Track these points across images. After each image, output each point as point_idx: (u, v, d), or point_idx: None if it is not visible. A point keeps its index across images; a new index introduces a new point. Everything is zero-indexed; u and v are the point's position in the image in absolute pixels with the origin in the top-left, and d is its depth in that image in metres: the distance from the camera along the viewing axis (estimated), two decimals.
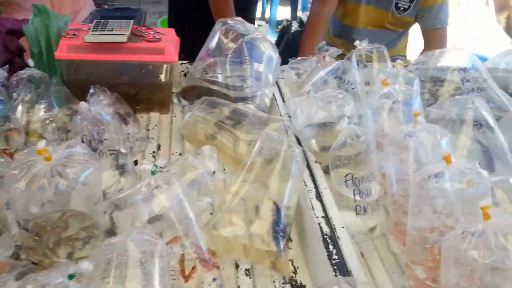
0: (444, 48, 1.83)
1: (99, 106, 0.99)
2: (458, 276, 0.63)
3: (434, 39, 1.84)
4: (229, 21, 1.20)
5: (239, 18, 1.23)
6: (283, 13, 4.65)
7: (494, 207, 0.76)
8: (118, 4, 5.05)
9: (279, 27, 4.03)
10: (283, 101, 1.24)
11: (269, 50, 1.20)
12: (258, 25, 1.21)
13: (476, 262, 0.61)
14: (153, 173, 0.74)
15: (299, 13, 4.53)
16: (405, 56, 2.09)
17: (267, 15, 4.50)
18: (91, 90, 1.03)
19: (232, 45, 1.17)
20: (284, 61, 1.41)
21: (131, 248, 0.59)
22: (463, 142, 1.01)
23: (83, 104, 0.96)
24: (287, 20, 3.59)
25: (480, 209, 0.63)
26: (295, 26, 3.25)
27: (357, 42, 1.30)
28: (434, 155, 0.80)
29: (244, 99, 1.21)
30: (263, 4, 4.59)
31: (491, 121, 0.98)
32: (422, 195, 0.75)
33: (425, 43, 1.88)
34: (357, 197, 0.85)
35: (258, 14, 4.63)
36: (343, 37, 1.97)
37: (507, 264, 0.59)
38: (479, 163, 0.94)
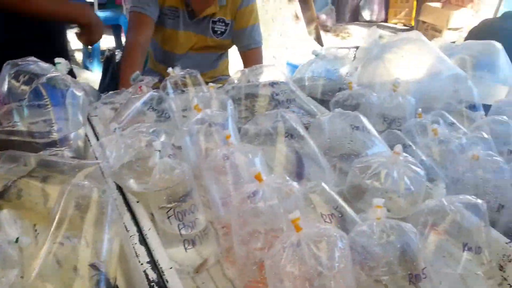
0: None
1: None
2: None
3: (251, 58, 1.95)
4: (19, 62, 1.07)
5: (32, 58, 1.10)
6: (107, 41, 4.46)
7: (312, 213, 0.81)
8: None
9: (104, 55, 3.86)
10: (98, 140, 1.15)
11: (72, 88, 1.10)
12: (57, 62, 1.09)
13: (294, 276, 0.62)
14: None
15: (124, 40, 4.40)
16: (228, 75, 2.17)
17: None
18: None
19: (26, 88, 1.03)
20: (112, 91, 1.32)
21: None
22: (279, 153, 1.05)
23: None
24: (109, 50, 3.44)
25: (291, 222, 0.64)
26: (119, 55, 3.13)
27: (169, 69, 1.29)
28: (250, 174, 0.81)
29: (52, 145, 1.08)
30: None
31: (300, 130, 1.04)
32: (242, 216, 0.74)
33: (243, 63, 1.98)
34: (183, 231, 0.81)
35: (80, 43, 4.34)
36: (166, 62, 1.96)
37: (321, 272, 0.61)
38: (293, 171, 1.00)
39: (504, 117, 1.16)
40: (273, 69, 1.38)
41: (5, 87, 1.05)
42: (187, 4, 1.81)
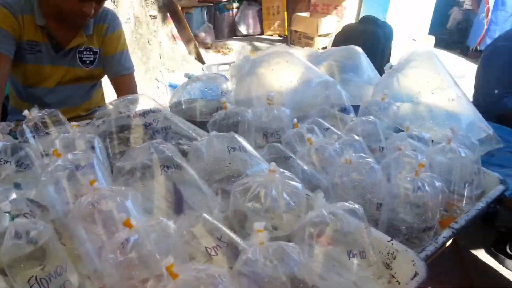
0: (134, 92, 1.88)
1: None
2: None
3: (122, 85, 1.85)
4: None
5: None
6: None
7: (196, 248, 0.76)
8: None
9: None
10: None
11: None
12: None
13: None
14: None
15: None
16: (104, 105, 2.05)
17: None
18: None
19: None
20: None
21: None
22: (158, 186, 0.99)
23: None
24: None
25: (166, 269, 0.58)
26: None
27: (25, 112, 1.15)
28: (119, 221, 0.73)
29: None
30: None
31: (177, 159, 0.99)
32: (116, 268, 0.67)
33: (116, 90, 1.87)
34: None
35: None
36: (31, 99, 1.78)
37: None
38: (171, 205, 0.94)
39: (371, 117, 1.23)
40: (145, 97, 1.31)
41: None
42: (51, 36, 1.67)
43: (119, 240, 0.67)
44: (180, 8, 4.81)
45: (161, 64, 4.22)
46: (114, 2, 3.87)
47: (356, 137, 1.10)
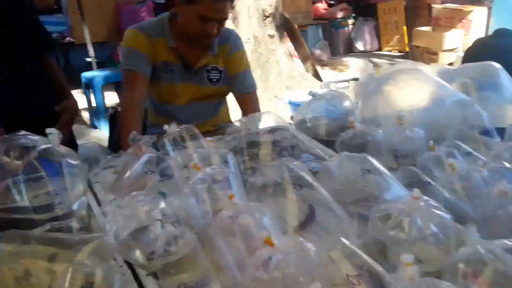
0: (257, 109, 1.95)
1: None
2: None
3: (246, 103, 1.93)
4: (8, 138, 1.03)
5: (22, 132, 1.05)
6: (111, 98, 4.49)
7: (336, 274, 0.73)
8: None
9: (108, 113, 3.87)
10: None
11: (66, 158, 1.05)
12: (48, 133, 1.05)
13: None
14: None
15: None
16: (230, 121, 2.14)
17: (93, 103, 4.29)
18: None
19: (18, 163, 0.99)
20: None
21: None
22: (291, 203, 0.99)
23: None
24: (112, 107, 3.46)
25: None
26: None
27: (165, 127, 1.24)
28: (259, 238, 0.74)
29: (55, 219, 1.02)
30: (85, 92, 4.37)
31: (308, 178, 0.98)
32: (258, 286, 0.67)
33: (240, 108, 1.96)
34: None
35: (84, 103, 4.38)
36: (167, 115, 1.94)
37: None
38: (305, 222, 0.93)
39: None
40: (271, 115, 1.34)
41: None
42: (181, 57, 1.81)
43: (261, 257, 0.68)
44: (296, 26, 4.88)
45: (279, 82, 4.32)
46: (234, 23, 4.08)
47: (507, 165, 0.98)
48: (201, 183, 0.89)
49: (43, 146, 1.02)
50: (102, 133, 3.81)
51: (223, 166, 1.04)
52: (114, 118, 3.18)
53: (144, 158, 1.06)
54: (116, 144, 2.85)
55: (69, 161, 1.05)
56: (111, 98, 4.46)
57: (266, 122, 1.36)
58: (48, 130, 1.07)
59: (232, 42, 1.89)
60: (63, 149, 1.07)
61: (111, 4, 5.10)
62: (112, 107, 3.52)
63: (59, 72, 1.84)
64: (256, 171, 1.06)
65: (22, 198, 1.02)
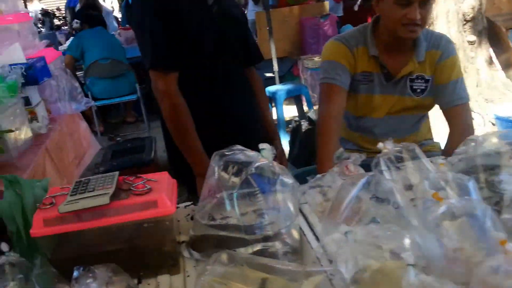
0: (470, 124, 1.68)
1: None
2: None
3: (456, 116, 1.68)
4: (226, 152, 1.02)
5: (238, 146, 1.04)
6: (290, 111, 4.61)
7: None
8: (129, 134, 5.12)
9: (290, 126, 3.96)
10: (314, 235, 1.00)
11: (282, 177, 1.00)
12: (261, 149, 1.02)
13: None
14: None
15: (305, 109, 4.47)
16: (431, 139, 1.91)
17: (274, 116, 4.46)
18: (74, 273, 0.82)
19: (236, 179, 0.97)
20: (303, 162, 1.22)
21: None
22: None
23: None
24: (295, 121, 3.50)
25: None
26: (305, 125, 3.14)
27: (380, 145, 1.10)
28: None
29: (265, 240, 0.98)
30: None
31: None
32: None
33: (448, 123, 1.72)
34: None
35: None
36: (360, 130, 1.82)
37: None
38: None
39: None
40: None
41: (214, 179, 1.00)
42: (382, 66, 1.67)
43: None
44: (504, 30, 4.24)
45: (477, 94, 3.80)
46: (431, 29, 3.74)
47: None
48: (446, 217, 0.72)
49: (260, 163, 0.98)
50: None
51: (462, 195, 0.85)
52: (296, 131, 3.20)
53: (361, 181, 0.94)
54: (297, 157, 2.84)
55: (284, 179, 1.00)
56: (289, 111, 4.56)
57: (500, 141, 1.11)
58: (261, 146, 1.04)
59: (443, 47, 1.67)
60: (277, 166, 1.02)
61: (296, 20, 5.25)
62: (295, 120, 3.57)
63: (261, 85, 1.89)
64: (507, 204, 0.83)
65: (235, 215, 1.00)
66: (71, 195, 0.96)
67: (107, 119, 5.56)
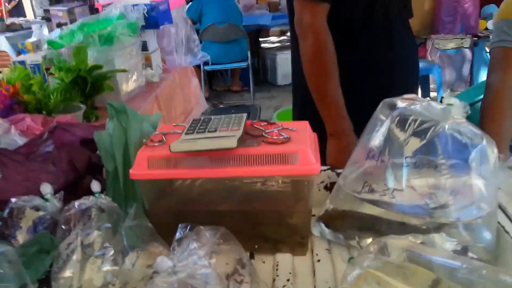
0: None
1: (190, 262, 0.57)
2: None
3: None
4: (400, 103, 0.71)
5: (412, 96, 0.74)
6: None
7: None
8: (233, 102, 5.04)
9: None
10: None
11: (478, 143, 0.67)
12: (448, 104, 0.69)
13: None
14: None
15: (432, 94, 3.97)
16: None
17: None
18: (177, 234, 0.61)
19: (415, 141, 0.66)
20: None
21: None
22: None
23: (162, 261, 0.55)
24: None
25: None
26: None
27: None
28: None
29: (438, 229, 0.67)
30: None
31: None
32: None
33: None
34: None
35: None
36: None
37: None
38: None
39: None
40: None
41: (381, 136, 0.70)
42: None
43: None
44: None
45: None
46: None
47: None
48: None
49: (451, 121, 0.66)
50: None
51: None
52: None
53: None
54: None
55: (484, 148, 0.67)
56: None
57: None
58: (447, 99, 0.72)
59: None
60: (475, 130, 0.69)
61: None
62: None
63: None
64: None
65: (403, 189, 0.69)
66: (186, 133, 0.73)
67: (212, 86, 5.52)
